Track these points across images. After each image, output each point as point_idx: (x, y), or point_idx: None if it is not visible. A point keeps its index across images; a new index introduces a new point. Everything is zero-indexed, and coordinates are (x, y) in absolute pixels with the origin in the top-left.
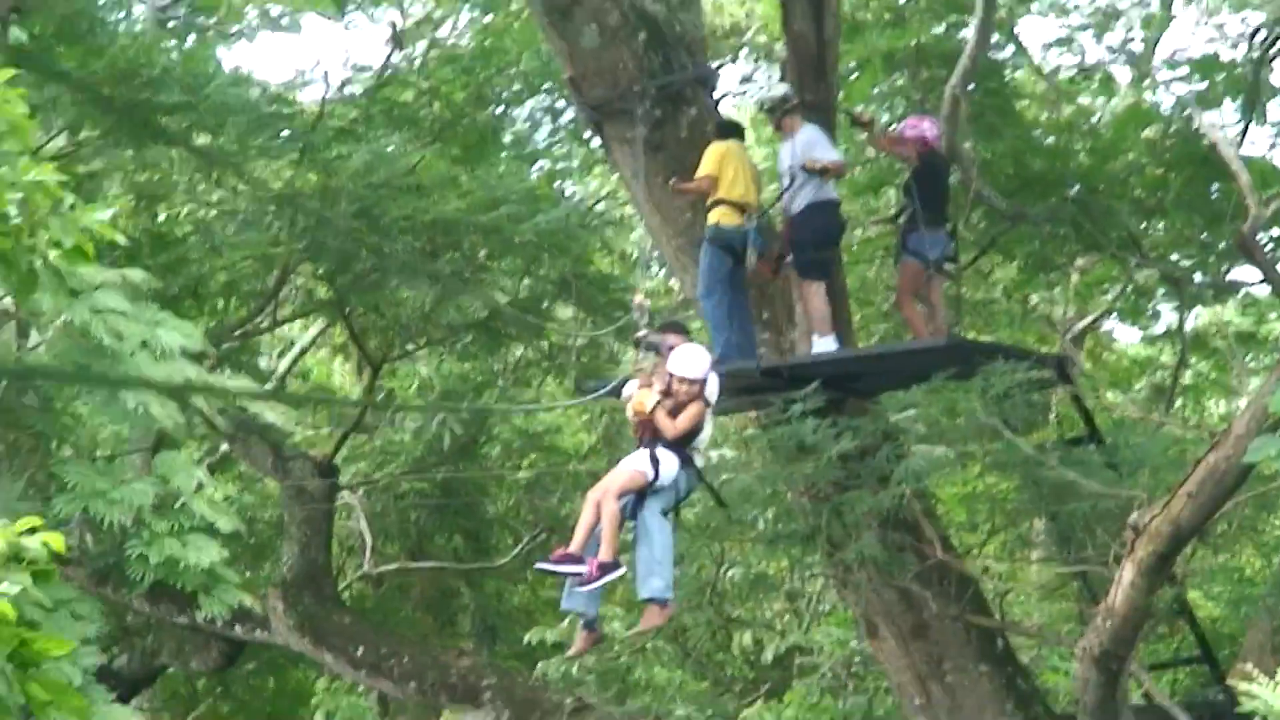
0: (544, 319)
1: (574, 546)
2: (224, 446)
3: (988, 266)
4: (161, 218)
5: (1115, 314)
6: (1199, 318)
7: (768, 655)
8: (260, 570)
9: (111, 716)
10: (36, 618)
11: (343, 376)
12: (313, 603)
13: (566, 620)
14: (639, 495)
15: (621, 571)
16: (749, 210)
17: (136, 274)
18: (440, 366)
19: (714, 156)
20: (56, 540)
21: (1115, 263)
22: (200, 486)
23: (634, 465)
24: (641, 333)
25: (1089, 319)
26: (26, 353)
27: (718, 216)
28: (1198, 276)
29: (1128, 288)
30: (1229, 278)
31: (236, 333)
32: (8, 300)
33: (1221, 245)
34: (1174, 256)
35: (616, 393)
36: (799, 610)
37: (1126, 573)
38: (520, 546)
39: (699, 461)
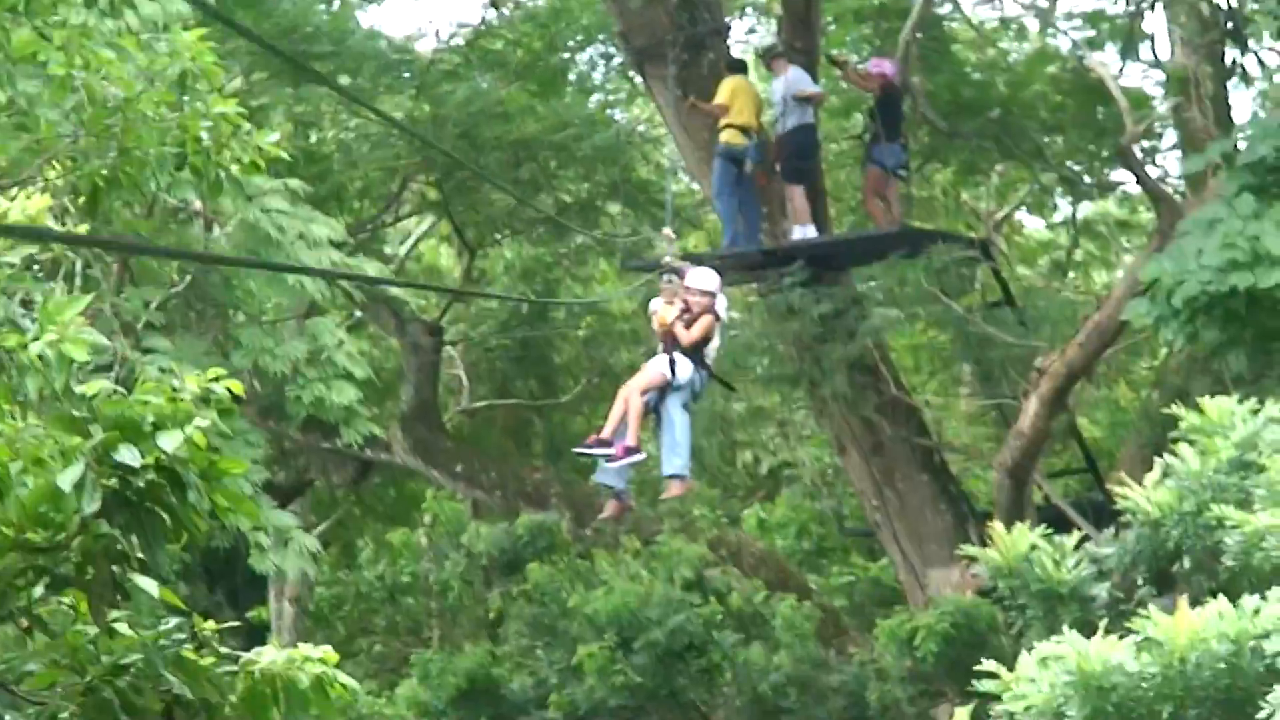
0: (599, 214)
1: (605, 433)
2: (358, 313)
3: (930, 171)
4: (313, 139)
5: (1025, 207)
6: (1088, 210)
7: (763, 469)
8: (385, 407)
9: (273, 519)
10: (219, 444)
11: (448, 259)
12: (424, 432)
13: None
14: (661, 392)
15: (643, 456)
16: (750, 131)
17: (295, 183)
18: (520, 251)
19: (726, 89)
20: (236, 385)
21: (1025, 168)
22: (341, 343)
23: (656, 367)
24: (666, 259)
25: (1005, 211)
26: (212, 242)
27: (727, 137)
28: (1087, 178)
29: (1035, 187)
30: (1110, 179)
31: (369, 226)
32: (198, 203)
33: (1105, 154)
34: (1069, 163)
35: (651, 268)
36: (787, 434)
37: (1032, 404)
38: (580, 387)
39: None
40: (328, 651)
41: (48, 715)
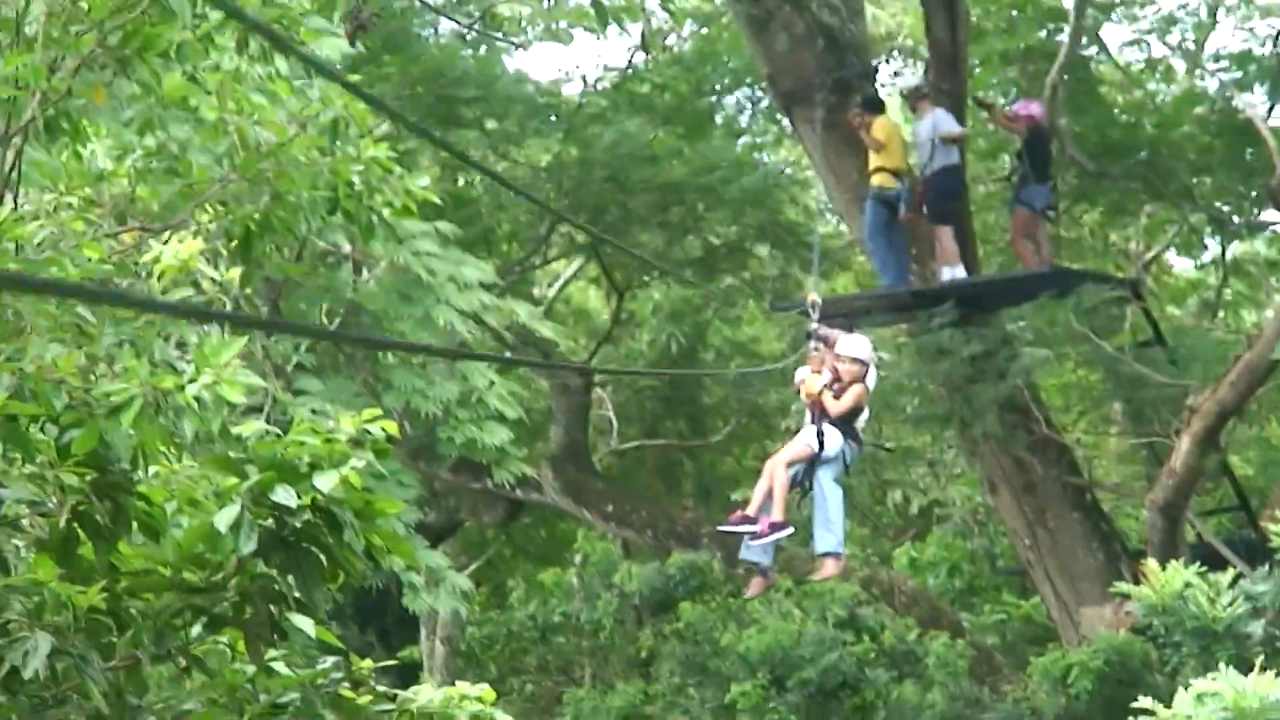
0: (747, 256)
1: (750, 509)
2: (508, 353)
3: (1078, 212)
4: (461, 183)
5: (1174, 248)
6: (1237, 250)
7: (914, 508)
8: (535, 447)
9: (426, 559)
10: (373, 485)
11: (596, 301)
12: (574, 472)
13: None
14: (810, 465)
15: (789, 531)
16: (901, 175)
17: (445, 226)
18: (669, 292)
19: (885, 129)
20: (391, 426)
21: (1174, 208)
22: (491, 384)
23: (803, 440)
24: (813, 326)
25: (1155, 251)
26: (363, 284)
27: (879, 180)
28: (1236, 218)
29: (1183, 227)
30: (1260, 218)
31: (517, 269)
32: (348, 246)
33: (1254, 194)
34: (1218, 203)
35: (798, 310)
36: (937, 474)
37: (1184, 443)
38: (729, 427)
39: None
40: (485, 690)
41: None
